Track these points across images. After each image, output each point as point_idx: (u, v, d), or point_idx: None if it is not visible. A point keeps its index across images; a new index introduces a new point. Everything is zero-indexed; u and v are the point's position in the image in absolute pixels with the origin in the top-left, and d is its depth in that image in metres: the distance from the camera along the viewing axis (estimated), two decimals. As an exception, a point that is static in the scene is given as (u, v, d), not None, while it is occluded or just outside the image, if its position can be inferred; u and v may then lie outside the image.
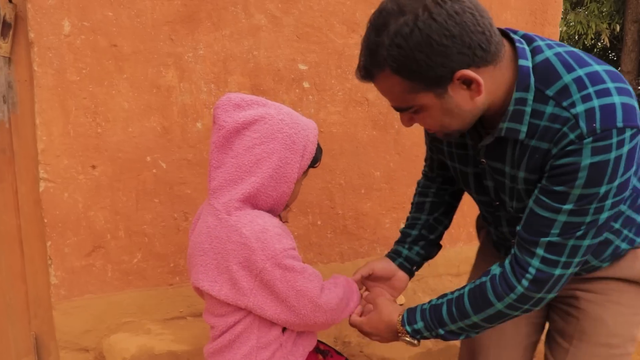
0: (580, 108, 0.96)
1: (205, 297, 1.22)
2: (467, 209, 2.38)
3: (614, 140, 0.95)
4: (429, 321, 1.20)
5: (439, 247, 1.51)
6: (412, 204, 1.55)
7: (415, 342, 1.24)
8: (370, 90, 2.06)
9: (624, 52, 11.29)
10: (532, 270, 1.07)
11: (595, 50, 13.90)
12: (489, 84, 0.99)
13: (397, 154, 2.17)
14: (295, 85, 1.93)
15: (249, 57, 1.84)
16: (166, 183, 1.79)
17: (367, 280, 1.43)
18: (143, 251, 1.80)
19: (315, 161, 1.22)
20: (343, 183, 2.08)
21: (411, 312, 1.24)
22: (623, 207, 1.16)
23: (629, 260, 1.22)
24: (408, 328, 1.22)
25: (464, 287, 1.19)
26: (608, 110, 0.95)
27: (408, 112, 1.06)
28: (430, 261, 1.53)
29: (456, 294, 1.19)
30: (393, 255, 1.47)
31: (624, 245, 1.20)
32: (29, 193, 1.74)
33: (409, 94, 1.00)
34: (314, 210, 2.04)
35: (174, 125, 1.78)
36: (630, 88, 1.01)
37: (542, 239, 1.05)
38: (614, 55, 13.39)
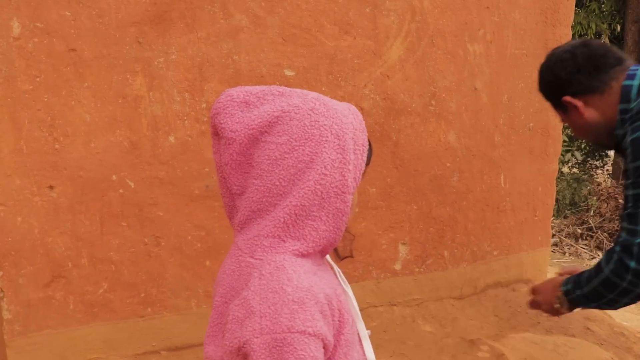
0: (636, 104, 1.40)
1: None
2: (471, 227, 2.28)
3: None
4: (575, 281, 1.48)
5: None
6: None
7: (566, 306, 1.50)
8: (365, 99, 2.00)
9: (624, 52, 11.28)
10: (621, 240, 1.37)
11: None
12: (598, 105, 1.46)
13: (395, 168, 2.11)
14: (281, 94, 1.83)
15: (228, 62, 1.78)
16: (135, 204, 1.72)
17: None
18: (110, 280, 1.72)
19: (369, 156, 0.98)
20: (335, 201, 1.97)
21: (573, 276, 1.51)
22: None
23: None
24: (563, 288, 1.50)
25: None
26: None
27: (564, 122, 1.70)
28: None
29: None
30: None
31: None
32: (-23, 217, 1.65)
33: (555, 109, 1.57)
34: (303, 232, 1.92)
35: (142, 140, 1.71)
36: None
37: (623, 213, 1.38)
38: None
